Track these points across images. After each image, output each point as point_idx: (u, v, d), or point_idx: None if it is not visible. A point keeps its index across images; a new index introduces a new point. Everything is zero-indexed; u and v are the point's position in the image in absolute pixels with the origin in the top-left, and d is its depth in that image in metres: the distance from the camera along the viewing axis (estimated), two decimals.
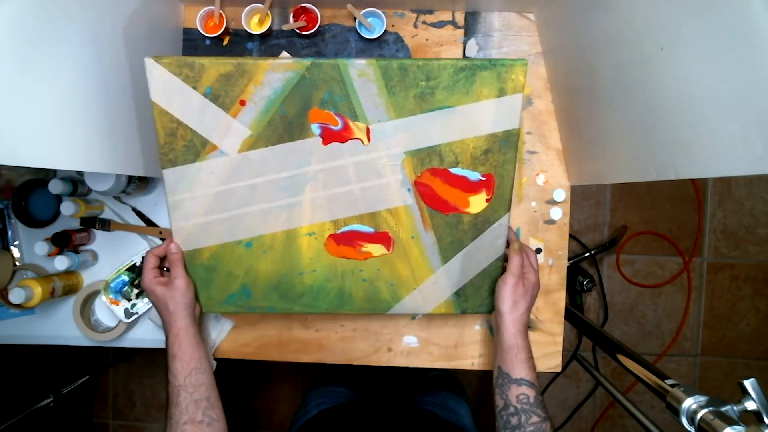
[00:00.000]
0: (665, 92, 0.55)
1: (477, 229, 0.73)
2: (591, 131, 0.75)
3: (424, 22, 0.85)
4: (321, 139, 0.68)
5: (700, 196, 1.71)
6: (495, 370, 0.70)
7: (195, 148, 0.68)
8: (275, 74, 0.65)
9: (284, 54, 0.85)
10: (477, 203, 0.71)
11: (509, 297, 0.69)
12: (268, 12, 0.80)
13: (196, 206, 0.71)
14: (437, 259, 0.74)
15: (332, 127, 0.67)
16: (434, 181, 0.71)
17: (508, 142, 0.68)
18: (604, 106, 0.70)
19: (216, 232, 0.72)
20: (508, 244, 0.74)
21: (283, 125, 0.67)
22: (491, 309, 0.75)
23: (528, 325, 0.71)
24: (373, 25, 0.82)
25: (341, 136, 0.68)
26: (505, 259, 0.74)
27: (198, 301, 0.74)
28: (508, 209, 0.72)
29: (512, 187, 0.71)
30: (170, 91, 0.65)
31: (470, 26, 0.85)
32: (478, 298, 0.75)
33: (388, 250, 0.74)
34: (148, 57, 0.63)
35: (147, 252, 0.73)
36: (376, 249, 0.73)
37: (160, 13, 0.79)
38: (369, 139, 0.68)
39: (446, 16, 0.85)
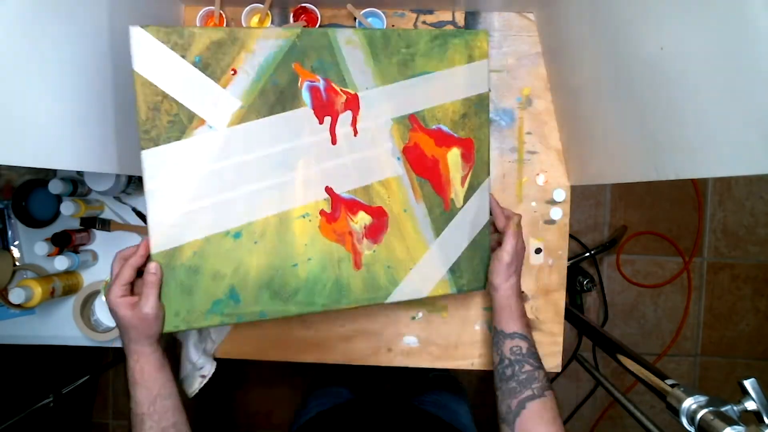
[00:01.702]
0: (665, 92, 0.55)
1: (463, 197, 0.75)
2: (591, 131, 0.75)
3: (424, 22, 0.85)
4: (313, 111, 0.68)
5: (700, 196, 1.71)
6: (492, 331, 0.73)
7: (181, 123, 0.64)
8: (267, 41, 0.65)
9: None
10: (454, 162, 0.75)
11: (503, 272, 0.71)
12: (268, 12, 0.80)
13: (179, 193, 0.65)
14: (430, 233, 0.74)
15: (317, 84, 0.68)
16: (419, 137, 0.73)
17: (481, 106, 0.74)
18: (604, 106, 0.70)
19: (201, 223, 0.65)
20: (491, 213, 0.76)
21: (275, 95, 0.66)
22: (485, 284, 0.76)
23: (521, 291, 0.75)
24: (373, 25, 0.82)
25: (331, 106, 0.69)
26: (493, 228, 0.76)
27: (176, 316, 0.65)
28: (488, 173, 0.76)
29: (489, 150, 0.76)
30: (156, 60, 0.62)
31: (470, 26, 0.85)
32: (472, 272, 0.76)
33: (383, 229, 0.73)
34: (133, 25, 0.60)
35: (118, 256, 0.63)
36: (368, 219, 0.72)
37: (160, 13, 0.79)
38: (358, 108, 0.70)
39: (446, 16, 0.85)
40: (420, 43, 0.71)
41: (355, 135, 0.70)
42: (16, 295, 0.76)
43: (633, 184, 1.72)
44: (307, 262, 0.70)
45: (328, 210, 0.70)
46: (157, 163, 0.64)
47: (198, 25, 0.81)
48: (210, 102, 0.64)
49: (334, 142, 0.69)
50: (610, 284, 1.73)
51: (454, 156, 0.74)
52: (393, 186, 0.72)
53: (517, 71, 0.85)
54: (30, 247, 0.86)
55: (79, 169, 0.80)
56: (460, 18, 0.85)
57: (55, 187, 0.80)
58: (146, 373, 0.62)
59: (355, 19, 0.81)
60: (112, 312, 0.61)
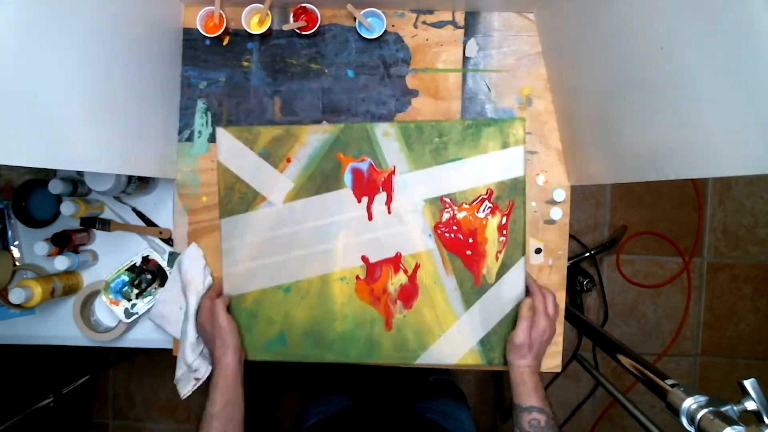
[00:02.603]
0: (665, 92, 0.55)
1: (495, 274, 0.79)
2: (591, 131, 0.75)
3: (424, 22, 0.85)
4: (352, 192, 0.80)
5: (700, 196, 1.71)
6: (511, 402, 0.74)
7: (248, 199, 0.81)
8: (315, 135, 0.80)
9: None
10: (492, 235, 0.79)
11: (515, 352, 0.72)
12: (268, 12, 0.80)
13: (245, 252, 0.81)
14: (460, 305, 0.79)
15: (359, 165, 0.80)
16: (458, 211, 0.79)
17: (516, 189, 0.78)
18: (604, 106, 0.70)
19: (260, 278, 0.81)
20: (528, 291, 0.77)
21: (321, 178, 0.80)
22: None
23: (539, 364, 0.75)
24: (373, 25, 0.82)
25: (371, 185, 0.80)
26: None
27: (243, 346, 0.79)
28: (524, 252, 0.79)
29: (525, 232, 0.79)
30: (232, 152, 0.81)
31: (470, 26, 0.85)
32: (504, 346, 0.78)
33: (415, 296, 0.80)
34: (219, 127, 0.81)
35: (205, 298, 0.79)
36: (404, 279, 0.80)
37: (160, 13, 0.79)
38: (392, 189, 0.80)
39: (446, 16, 0.85)
40: (453, 132, 0.78)
41: (389, 213, 0.80)
42: (16, 295, 0.76)
43: (633, 184, 1.72)
44: (343, 319, 0.81)
45: (362, 276, 0.80)
46: (230, 229, 0.82)
47: (198, 25, 0.81)
48: (270, 183, 0.81)
49: (370, 218, 0.80)
50: (610, 284, 1.73)
51: (493, 227, 0.79)
52: (423, 258, 0.80)
53: (517, 71, 0.85)
54: (30, 247, 0.86)
55: (79, 169, 0.80)
56: (460, 18, 0.85)
57: (55, 187, 0.80)
58: (230, 380, 0.73)
59: (355, 18, 0.81)
60: (202, 328, 0.77)
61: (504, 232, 0.79)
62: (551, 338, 0.75)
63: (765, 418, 0.52)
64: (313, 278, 0.81)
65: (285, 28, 0.81)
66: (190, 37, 0.86)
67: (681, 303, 1.73)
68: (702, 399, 0.56)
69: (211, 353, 0.77)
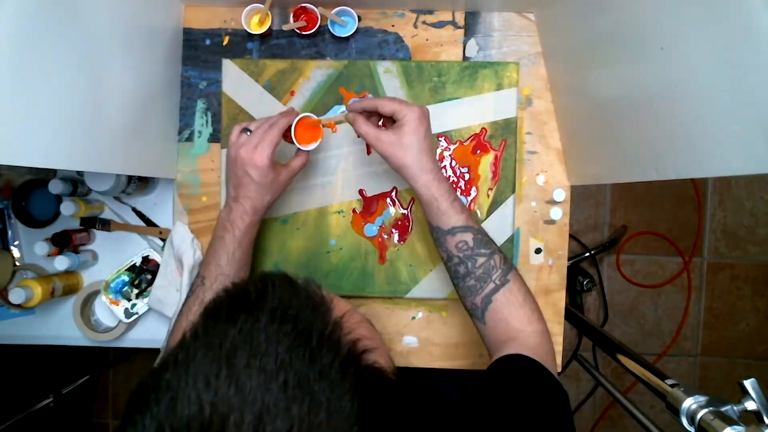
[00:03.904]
0: (665, 92, 0.55)
1: (486, 211, 0.83)
2: (591, 131, 0.75)
3: (424, 22, 0.85)
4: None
5: (700, 196, 1.71)
6: (428, 225, 0.66)
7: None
8: (320, 70, 0.83)
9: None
10: (484, 172, 0.82)
11: (407, 172, 0.63)
12: (269, 12, 0.80)
13: None
14: None
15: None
16: (456, 149, 0.82)
17: (508, 129, 0.82)
18: (604, 105, 0.70)
19: None
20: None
21: (323, 111, 0.82)
22: None
23: (439, 168, 0.65)
24: (347, 22, 0.82)
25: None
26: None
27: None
28: (514, 190, 0.82)
29: (515, 169, 0.83)
30: (237, 83, 0.82)
31: (470, 26, 0.85)
32: None
33: (408, 230, 0.83)
34: (225, 58, 0.82)
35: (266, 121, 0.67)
36: (399, 214, 0.83)
37: (160, 13, 0.79)
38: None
39: (446, 16, 0.85)
40: (451, 72, 0.82)
41: None
42: (16, 295, 0.76)
43: (633, 184, 1.72)
44: (338, 251, 0.83)
45: (359, 209, 0.83)
46: None
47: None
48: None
49: (368, 152, 0.83)
50: (610, 284, 1.73)
51: (486, 163, 0.82)
52: None
53: None
54: (30, 247, 0.86)
55: (79, 169, 0.80)
56: (460, 18, 0.85)
57: (55, 187, 0.80)
58: (231, 235, 0.68)
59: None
60: (234, 159, 0.66)
61: (495, 169, 0.82)
62: (423, 119, 0.63)
63: (765, 418, 0.52)
64: (311, 210, 0.83)
65: (285, 28, 0.81)
66: (190, 37, 0.86)
67: (681, 303, 1.73)
68: (702, 399, 0.56)
69: (228, 195, 0.69)
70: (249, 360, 0.31)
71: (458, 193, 0.73)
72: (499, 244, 0.77)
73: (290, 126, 0.67)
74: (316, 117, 0.70)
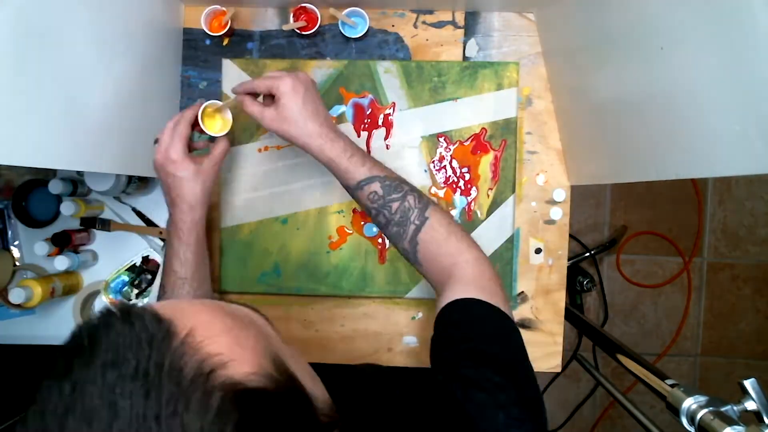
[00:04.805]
0: (665, 92, 0.55)
1: (486, 211, 0.83)
2: (591, 131, 0.75)
3: (424, 22, 0.85)
4: (353, 126, 0.82)
5: (700, 196, 1.71)
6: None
7: (251, 130, 0.82)
8: (320, 70, 0.83)
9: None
10: (484, 172, 0.82)
11: (301, 138, 0.62)
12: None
13: (244, 183, 0.83)
14: None
15: (361, 101, 0.82)
16: (456, 149, 0.82)
17: (508, 129, 0.82)
18: (604, 106, 0.70)
19: (258, 209, 0.83)
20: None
21: None
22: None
23: (331, 128, 0.63)
24: (357, 24, 0.82)
25: (371, 121, 0.82)
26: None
27: (233, 281, 0.79)
28: (514, 190, 0.82)
29: (515, 169, 0.83)
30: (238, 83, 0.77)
31: (470, 26, 0.85)
32: None
33: None
34: (224, 58, 0.82)
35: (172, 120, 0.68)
36: None
37: (160, 13, 0.79)
38: (391, 126, 0.82)
39: (446, 16, 0.85)
40: (451, 72, 0.82)
41: (387, 148, 0.83)
42: (16, 295, 0.76)
43: (633, 184, 1.72)
44: (338, 251, 0.83)
45: (359, 209, 0.82)
46: (231, 158, 0.82)
47: (202, 24, 0.81)
48: None
49: (368, 153, 0.79)
50: (610, 284, 1.73)
51: (486, 163, 0.82)
52: None
53: None
54: (30, 247, 0.86)
55: (78, 169, 0.80)
56: (460, 18, 0.85)
57: (55, 187, 0.80)
58: (176, 239, 0.68)
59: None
60: (156, 170, 0.68)
61: (495, 169, 0.82)
62: (299, 86, 0.62)
63: (765, 418, 0.52)
64: (311, 210, 0.83)
65: (285, 28, 0.81)
66: (190, 37, 0.86)
67: (681, 303, 1.73)
68: (702, 399, 0.56)
69: (167, 206, 0.69)
70: (81, 425, 0.26)
71: (360, 147, 0.65)
72: (499, 244, 0.78)
73: (197, 117, 0.69)
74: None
